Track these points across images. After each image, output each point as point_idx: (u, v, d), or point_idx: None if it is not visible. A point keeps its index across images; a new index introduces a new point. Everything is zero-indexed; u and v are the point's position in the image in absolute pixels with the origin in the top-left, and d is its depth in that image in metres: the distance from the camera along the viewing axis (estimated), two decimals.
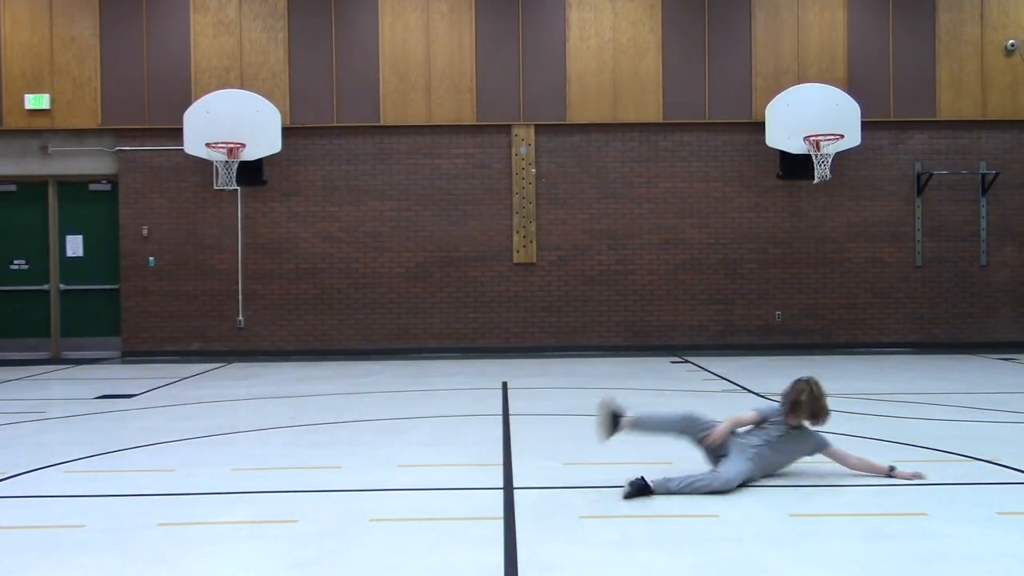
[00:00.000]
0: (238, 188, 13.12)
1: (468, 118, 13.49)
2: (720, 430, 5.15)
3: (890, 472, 5.25)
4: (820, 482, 5.11)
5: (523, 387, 9.68)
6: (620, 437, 5.35)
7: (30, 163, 13.58)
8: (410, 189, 13.54)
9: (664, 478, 4.88)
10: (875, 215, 13.56)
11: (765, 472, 5.12)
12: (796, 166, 13.14)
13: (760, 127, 13.14)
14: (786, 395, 5.22)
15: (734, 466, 4.95)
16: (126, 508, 4.75)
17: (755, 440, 5.12)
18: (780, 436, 5.15)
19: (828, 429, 6.56)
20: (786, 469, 5.27)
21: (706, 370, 11.09)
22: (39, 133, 13.51)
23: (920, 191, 13.52)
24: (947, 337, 13.59)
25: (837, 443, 5.45)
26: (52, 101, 13.44)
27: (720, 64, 13.53)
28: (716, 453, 5.14)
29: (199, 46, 13.48)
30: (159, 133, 13.42)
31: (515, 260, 13.51)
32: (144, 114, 13.47)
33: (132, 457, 6.10)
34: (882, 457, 5.47)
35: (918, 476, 5.24)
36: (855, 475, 5.21)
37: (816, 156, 12.68)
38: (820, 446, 5.27)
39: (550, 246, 13.55)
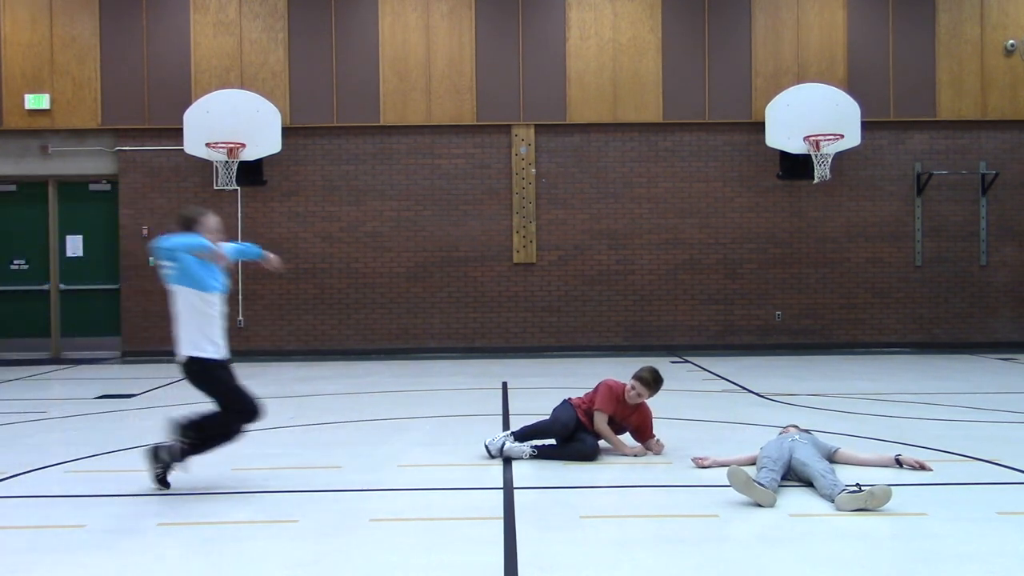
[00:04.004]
0: (238, 188, 13.12)
1: (468, 118, 13.49)
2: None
3: (897, 459, 5.38)
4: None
5: (523, 387, 9.69)
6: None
7: (30, 163, 13.57)
8: (410, 189, 13.54)
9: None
10: (875, 215, 13.56)
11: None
12: (796, 166, 13.13)
13: (760, 127, 13.13)
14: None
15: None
16: (126, 508, 4.75)
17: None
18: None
19: (829, 428, 6.58)
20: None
21: (706, 370, 11.09)
22: (39, 133, 13.51)
23: (920, 191, 13.52)
24: (947, 337, 13.59)
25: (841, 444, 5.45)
26: (52, 101, 13.43)
27: (720, 64, 13.53)
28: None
29: (199, 46, 13.48)
30: (159, 133, 13.42)
31: (515, 260, 13.51)
32: (144, 114, 13.47)
33: (132, 457, 6.09)
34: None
35: (924, 466, 5.29)
36: (856, 475, 5.20)
37: (816, 156, 12.68)
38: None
39: (550, 246, 13.54)
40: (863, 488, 4.52)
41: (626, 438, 6.03)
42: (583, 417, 5.92)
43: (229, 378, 5.14)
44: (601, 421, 5.87)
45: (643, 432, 5.99)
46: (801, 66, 13.48)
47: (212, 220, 5.32)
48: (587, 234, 13.53)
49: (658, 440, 5.99)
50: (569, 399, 6.12)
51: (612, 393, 5.89)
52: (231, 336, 14.38)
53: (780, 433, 5.55)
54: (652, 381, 5.85)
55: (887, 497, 4.48)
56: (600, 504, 4.86)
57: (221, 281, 5.23)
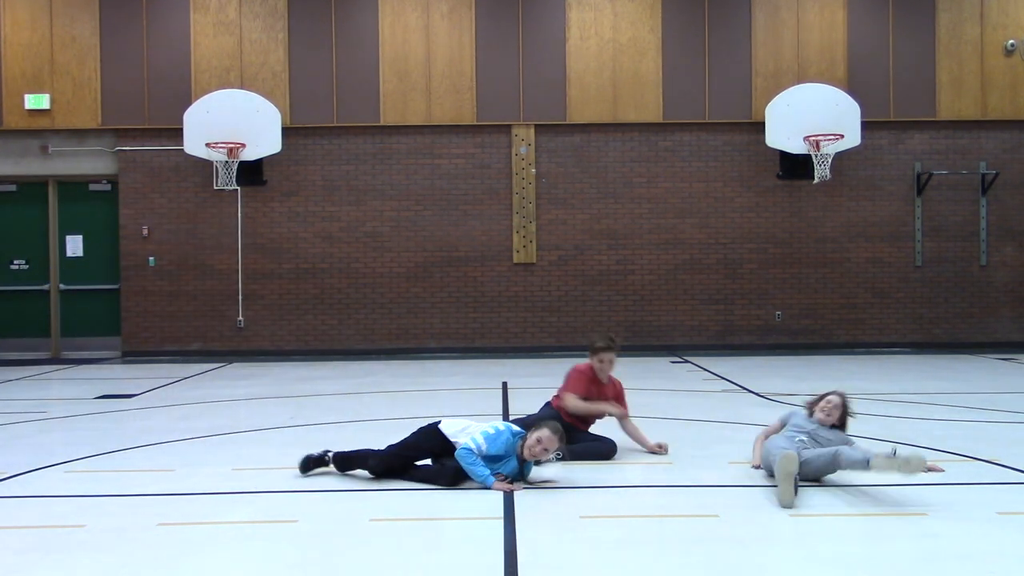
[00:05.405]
0: (238, 188, 13.11)
1: (468, 118, 13.49)
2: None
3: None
4: (820, 482, 5.10)
5: (523, 387, 9.68)
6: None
7: (30, 163, 13.57)
8: (410, 189, 13.54)
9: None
10: (875, 215, 13.56)
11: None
12: (796, 166, 13.13)
13: (760, 127, 13.13)
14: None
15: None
16: (126, 508, 4.74)
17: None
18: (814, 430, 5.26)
19: None
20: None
21: (706, 370, 11.08)
22: (39, 133, 13.51)
23: (920, 191, 13.52)
24: (947, 337, 13.59)
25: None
26: (52, 101, 13.43)
27: (720, 64, 13.53)
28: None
29: (199, 46, 13.48)
30: (159, 133, 13.42)
31: (515, 260, 13.51)
32: (144, 114, 13.47)
33: (132, 457, 6.10)
34: None
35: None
36: (855, 475, 5.19)
37: (816, 156, 12.67)
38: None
39: (550, 246, 13.54)
40: (898, 455, 4.51)
41: (615, 430, 6.04)
42: (567, 418, 5.90)
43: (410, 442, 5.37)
44: (573, 399, 5.89)
45: (621, 404, 6.07)
46: (801, 66, 13.48)
47: (538, 445, 5.01)
48: (587, 234, 13.53)
49: (659, 444, 6.00)
50: (549, 401, 6.16)
51: (583, 375, 5.96)
52: (231, 336, 14.47)
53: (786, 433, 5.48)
54: (609, 343, 6.00)
55: (921, 466, 4.48)
56: (600, 504, 4.85)
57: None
